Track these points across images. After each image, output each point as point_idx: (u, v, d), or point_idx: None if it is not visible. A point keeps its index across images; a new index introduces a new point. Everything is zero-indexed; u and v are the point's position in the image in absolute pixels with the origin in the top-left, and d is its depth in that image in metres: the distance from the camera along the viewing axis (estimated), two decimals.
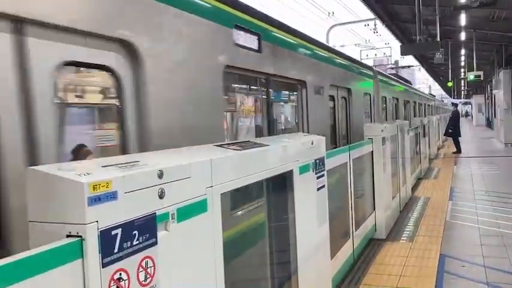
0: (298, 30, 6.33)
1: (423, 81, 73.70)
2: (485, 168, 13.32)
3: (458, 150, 18.23)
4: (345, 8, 31.95)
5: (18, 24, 2.24)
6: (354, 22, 30.94)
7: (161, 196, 1.85)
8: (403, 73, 42.64)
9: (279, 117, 6.19)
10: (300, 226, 3.31)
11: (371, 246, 6.20)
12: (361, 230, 5.84)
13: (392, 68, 42.13)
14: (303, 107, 6.07)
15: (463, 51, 25.92)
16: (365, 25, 30.55)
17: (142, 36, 2.98)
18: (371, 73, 11.10)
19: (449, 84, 33.44)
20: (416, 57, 30.89)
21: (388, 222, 6.87)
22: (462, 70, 32.84)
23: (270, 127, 5.32)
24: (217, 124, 3.90)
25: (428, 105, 26.99)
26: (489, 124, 35.10)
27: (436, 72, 40.94)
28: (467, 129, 24.14)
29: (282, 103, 6.40)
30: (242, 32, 4.40)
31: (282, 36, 5.54)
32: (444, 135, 21.03)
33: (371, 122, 10.28)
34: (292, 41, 5.91)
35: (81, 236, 1.50)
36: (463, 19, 16.63)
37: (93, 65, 2.75)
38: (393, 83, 15.02)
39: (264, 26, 5.00)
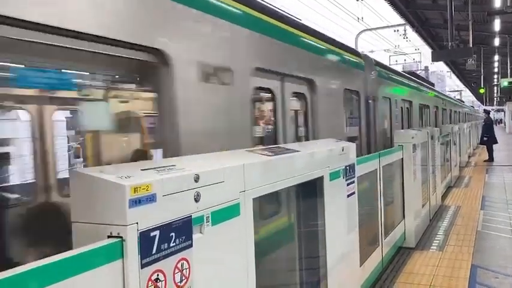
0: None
1: (453, 87, 72.17)
2: None
3: (491, 159, 17.77)
4: (374, 14, 31.62)
5: (282, 76, 4.60)
6: (384, 27, 30.63)
7: (197, 199, 1.89)
8: (433, 79, 42.12)
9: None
10: (330, 232, 3.30)
11: (400, 254, 6.11)
12: (390, 237, 5.77)
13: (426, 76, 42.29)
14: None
15: (496, 57, 25.33)
16: (395, 31, 30.22)
17: (317, 75, 5.40)
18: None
19: (481, 90, 32.69)
20: (447, 64, 30.33)
21: (418, 230, 6.76)
22: (495, 76, 32.07)
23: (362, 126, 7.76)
24: (341, 123, 6.49)
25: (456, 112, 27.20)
26: None
27: (467, 78, 40.08)
28: (500, 136, 23.65)
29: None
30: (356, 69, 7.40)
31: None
32: (479, 143, 20.51)
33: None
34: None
35: (121, 237, 1.55)
36: (497, 24, 16.27)
37: (300, 94, 5.15)
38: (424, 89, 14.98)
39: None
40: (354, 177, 3.81)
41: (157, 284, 1.67)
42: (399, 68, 28.71)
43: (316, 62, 5.61)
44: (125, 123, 4.24)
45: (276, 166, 2.65)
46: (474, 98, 69.26)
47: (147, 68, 2.87)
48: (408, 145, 6.50)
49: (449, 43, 12.69)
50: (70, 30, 2.26)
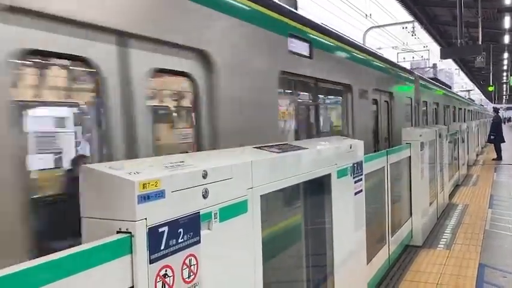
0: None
1: (462, 85, 71.47)
2: None
3: (499, 157, 17.63)
4: (382, 10, 31.37)
5: (380, 91, 7.99)
6: (392, 24, 30.39)
7: (205, 196, 1.90)
8: (441, 76, 41.89)
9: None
10: (337, 230, 3.30)
11: (407, 252, 6.09)
12: (397, 235, 5.75)
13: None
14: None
15: (505, 55, 25.09)
16: (403, 27, 29.98)
17: (393, 89, 8.75)
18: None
19: (490, 88, 32.37)
20: (455, 61, 30.11)
21: (425, 228, 6.73)
22: (504, 74, 31.78)
23: (412, 121, 10.91)
24: (403, 119, 9.53)
25: (469, 110, 27.37)
26: None
27: (476, 76, 39.77)
28: (508, 135, 23.50)
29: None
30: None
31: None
32: (487, 142, 20.45)
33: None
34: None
35: (130, 233, 1.55)
36: (507, 21, 16.11)
37: (386, 101, 8.50)
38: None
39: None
40: (362, 175, 3.80)
41: (166, 279, 1.68)
42: (407, 65, 28.55)
43: (393, 81, 8.99)
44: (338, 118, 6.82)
45: (284, 163, 2.65)
46: (482, 96, 68.64)
47: (344, 92, 6.21)
48: (416, 143, 6.47)
49: (458, 40, 12.61)
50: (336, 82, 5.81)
